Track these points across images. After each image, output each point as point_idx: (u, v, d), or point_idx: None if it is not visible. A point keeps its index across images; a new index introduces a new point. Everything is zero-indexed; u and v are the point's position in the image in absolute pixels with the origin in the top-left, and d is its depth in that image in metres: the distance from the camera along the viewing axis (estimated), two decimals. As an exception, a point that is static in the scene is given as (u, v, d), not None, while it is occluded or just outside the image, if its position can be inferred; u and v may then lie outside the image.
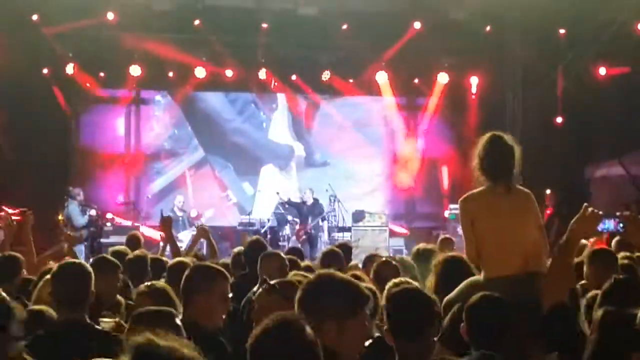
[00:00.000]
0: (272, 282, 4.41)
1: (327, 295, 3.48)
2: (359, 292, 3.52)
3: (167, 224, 8.74)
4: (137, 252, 7.89)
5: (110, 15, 16.41)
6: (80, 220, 15.74)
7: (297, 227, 17.93)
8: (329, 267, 7.07)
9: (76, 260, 5.31)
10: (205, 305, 4.68)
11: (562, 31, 17.29)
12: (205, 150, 20.33)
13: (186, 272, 4.91)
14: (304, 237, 17.53)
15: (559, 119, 18.12)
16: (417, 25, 17.50)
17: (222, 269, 4.95)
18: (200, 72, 18.62)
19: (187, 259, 6.89)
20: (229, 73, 19.01)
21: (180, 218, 17.68)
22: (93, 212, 16.00)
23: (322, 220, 18.19)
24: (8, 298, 4.01)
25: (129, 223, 17.13)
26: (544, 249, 5.58)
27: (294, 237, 17.67)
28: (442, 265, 5.86)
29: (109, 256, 6.64)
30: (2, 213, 8.45)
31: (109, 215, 17.20)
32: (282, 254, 7.27)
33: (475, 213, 5.67)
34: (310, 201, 18.32)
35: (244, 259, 7.81)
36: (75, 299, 4.85)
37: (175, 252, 8.39)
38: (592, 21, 16.39)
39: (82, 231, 15.28)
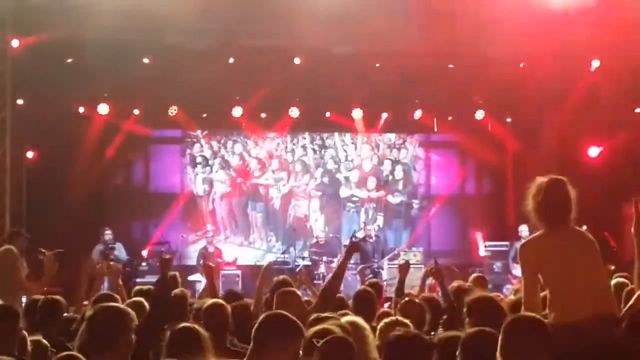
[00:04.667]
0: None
1: None
2: None
3: (209, 272, 8.73)
4: (176, 291, 7.83)
5: (145, 60, 16.63)
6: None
7: (360, 266, 17.46)
8: (361, 307, 7.09)
9: (111, 304, 5.26)
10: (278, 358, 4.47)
11: (596, 64, 17.13)
12: (240, 190, 20.37)
13: (264, 319, 4.66)
14: (370, 276, 16.40)
15: (595, 152, 17.93)
16: (451, 65, 17.51)
17: (300, 324, 4.70)
18: (236, 112, 18.73)
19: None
20: (263, 114, 19.19)
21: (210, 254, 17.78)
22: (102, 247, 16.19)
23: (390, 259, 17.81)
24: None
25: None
26: (610, 290, 5.51)
27: (357, 277, 17.02)
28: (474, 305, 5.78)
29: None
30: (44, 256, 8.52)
31: (143, 254, 17.29)
32: (299, 292, 7.26)
33: (539, 258, 5.56)
34: (373, 238, 18.24)
35: (270, 299, 7.75)
36: (110, 342, 4.78)
37: (212, 293, 8.28)
38: (625, 53, 16.23)
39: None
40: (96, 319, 4.82)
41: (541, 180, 5.72)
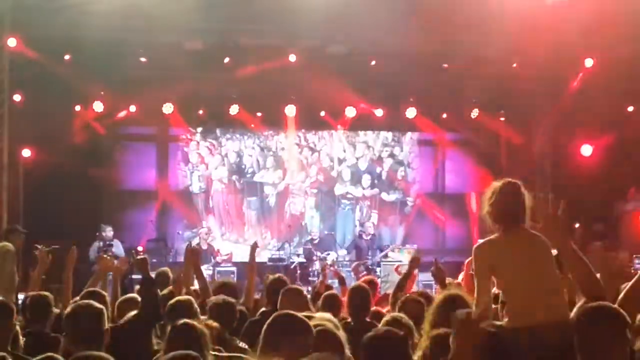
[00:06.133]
0: None
1: None
2: None
3: (192, 256, 8.31)
4: (167, 289, 7.88)
5: (142, 59, 16.72)
6: (91, 256, 15.92)
7: (355, 263, 17.66)
8: (356, 303, 7.13)
9: (88, 301, 5.42)
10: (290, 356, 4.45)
11: (589, 63, 17.17)
12: (236, 187, 20.46)
13: (276, 319, 4.69)
14: (364, 272, 16.60)
15: (588, 150, 18.01)
16: (445, 65, 17.59)
17: (310, 323, 4.73)
18: (233, 110, 18.79)
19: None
20: (258, 112, 19.29)
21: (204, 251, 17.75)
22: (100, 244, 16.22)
23: (385, 256, 17.99)
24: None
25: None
26: (563, 295, 5.48)
27: (352, 274, 17.00)
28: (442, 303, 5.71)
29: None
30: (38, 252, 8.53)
31: (139, 250, 17.34)
32: (303, 290, 7.30)
33: (492, 260, 5.46)
34: (369, 235, 18.39)
35: (266, 296, 7.77)
36: (89, 338, 5.00)
37: (202, 286, 7.98)
38: (620, 51, 16.27)
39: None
40: (71, 316, 5.15)
41: (496, 183, 5.65)
